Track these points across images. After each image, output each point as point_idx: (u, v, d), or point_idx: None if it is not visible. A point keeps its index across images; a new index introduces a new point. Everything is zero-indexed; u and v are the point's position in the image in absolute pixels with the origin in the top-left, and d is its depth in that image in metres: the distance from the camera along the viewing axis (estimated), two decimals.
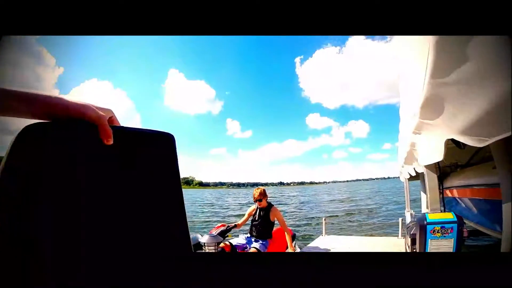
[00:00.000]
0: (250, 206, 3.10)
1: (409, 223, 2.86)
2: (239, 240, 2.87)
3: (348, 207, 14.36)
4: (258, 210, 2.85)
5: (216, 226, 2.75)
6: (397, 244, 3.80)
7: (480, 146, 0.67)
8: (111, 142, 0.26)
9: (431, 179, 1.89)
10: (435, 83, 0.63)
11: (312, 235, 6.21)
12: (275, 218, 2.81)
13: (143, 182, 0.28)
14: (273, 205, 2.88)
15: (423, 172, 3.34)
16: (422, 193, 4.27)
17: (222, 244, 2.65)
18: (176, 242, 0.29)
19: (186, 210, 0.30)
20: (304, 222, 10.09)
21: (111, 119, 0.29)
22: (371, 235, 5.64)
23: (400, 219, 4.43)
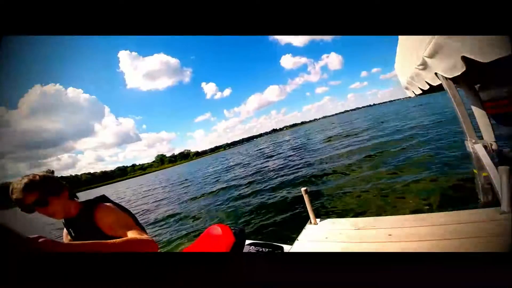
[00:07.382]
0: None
1: None
2: None
3: (347, 145, 10.47)
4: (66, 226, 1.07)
5: None
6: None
7: None
8: None
9: None
10: None
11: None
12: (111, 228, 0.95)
13: None
14: (98, 201, 1.06)
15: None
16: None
17: None
18: None
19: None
20: (293, 178, 7.09)
21: None
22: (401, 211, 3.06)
23: (474, 170, 1.92)
